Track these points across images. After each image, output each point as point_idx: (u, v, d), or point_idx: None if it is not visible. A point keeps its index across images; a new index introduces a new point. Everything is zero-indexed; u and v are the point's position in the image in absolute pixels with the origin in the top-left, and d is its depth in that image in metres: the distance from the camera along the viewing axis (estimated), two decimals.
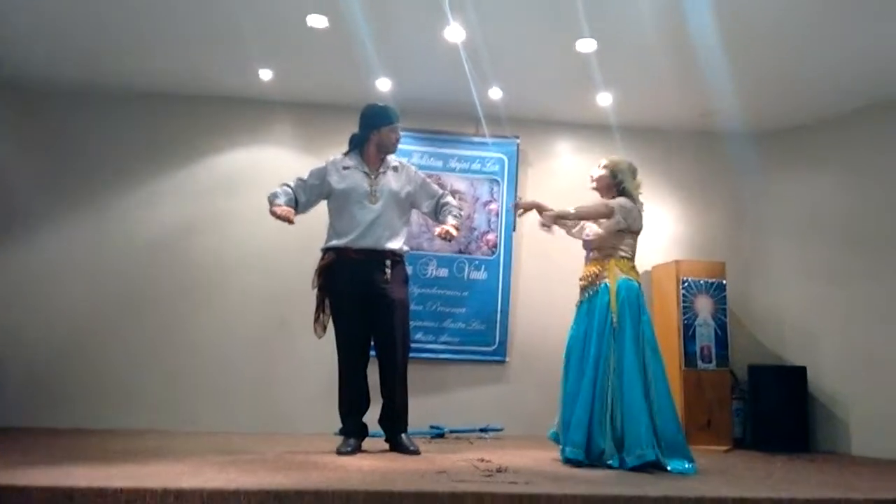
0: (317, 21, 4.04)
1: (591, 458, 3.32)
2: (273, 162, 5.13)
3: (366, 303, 3.59)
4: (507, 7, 3.87)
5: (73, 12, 4.05)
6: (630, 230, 3.64)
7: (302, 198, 3.71)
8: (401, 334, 3.63)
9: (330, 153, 3.91)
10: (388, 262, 3.62)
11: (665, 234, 5.47)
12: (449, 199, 3.86)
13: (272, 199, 3.61)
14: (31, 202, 4.95)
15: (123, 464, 2.89)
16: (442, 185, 4.49)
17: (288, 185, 3.71)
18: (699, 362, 4.89)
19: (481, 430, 4.73)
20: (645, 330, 3.49)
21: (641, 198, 3.75)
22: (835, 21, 3.91)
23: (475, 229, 5.22)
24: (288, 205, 3.60)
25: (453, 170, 5.26)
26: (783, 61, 4.38)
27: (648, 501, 2.48)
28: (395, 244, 3.66)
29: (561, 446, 3.52)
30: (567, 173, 5.45)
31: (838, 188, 5.13)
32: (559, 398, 3.62)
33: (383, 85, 4.84)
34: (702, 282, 5.01)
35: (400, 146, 3.92)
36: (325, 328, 3.67)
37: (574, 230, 3.85)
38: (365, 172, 3.72)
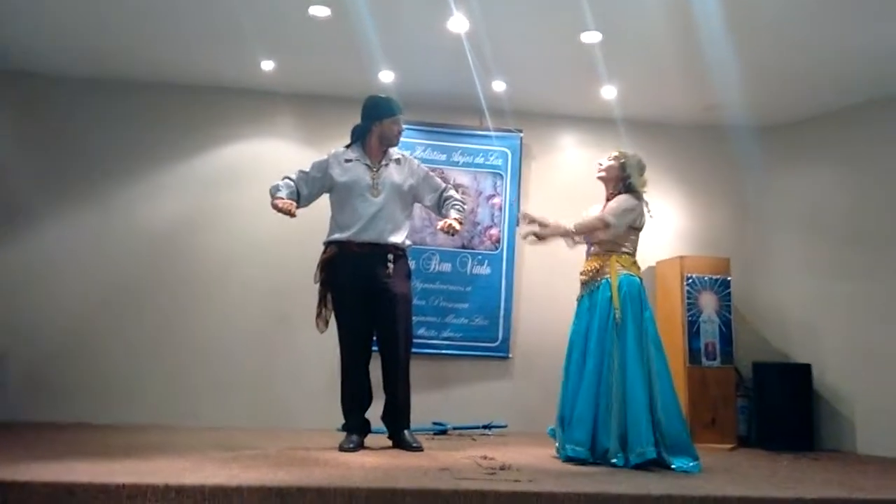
0: (319, 10, 4.01)
1: (595, 457, 3.30)
2: (275, 154, 5.10)
3: (368, 297, 3.56)
4: None
5: (76, 4, 4.03)
6: (633, 227, 3.61)
7: (304, 191, 3.69)
8: (403, 329, 3.61)
9: (332, 145, 3.88)
10: (391, 257, 3.59)
11: (669, 230, 5.43)
12: (452, 192, 3.83)
13: (273, 192, 3.58)
14: (32, 195, 4.91)
15: (125, 459, 2.88)
16: (445, 179, 4.45)
17: (290, 178, 3.68)
18: (703, 359, 4.87)
19: (484, 427, 4.71)
20: (648, 326, 3.46)
21: (645, 195, 3.71)
22: (839, 16, 3.88)
23: (478, 224, 5.19)
24: (290, 198, 3.57)
25: (456, 163, 5.23)
26: (787, 55, 4.35)
27: (651, 500, 2.47)
28: (398, 238, 3.64)
29: (558, 443, 3.50)
30: (571, 167, 5.42)
31: (842, 183, 5.10)
32: (559, 394, 3.60)
33: (386, 77, 4.80)
34: (706, 278, 4.98)
35: (403, 139, 3.90)
36: (327, 323, 3.65)
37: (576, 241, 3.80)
38: (367, 165, 3.69)
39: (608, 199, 3.71)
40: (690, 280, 4.96)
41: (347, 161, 3.70)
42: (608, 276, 3.52)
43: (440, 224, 3.66)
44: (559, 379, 3.64)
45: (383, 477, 2.62)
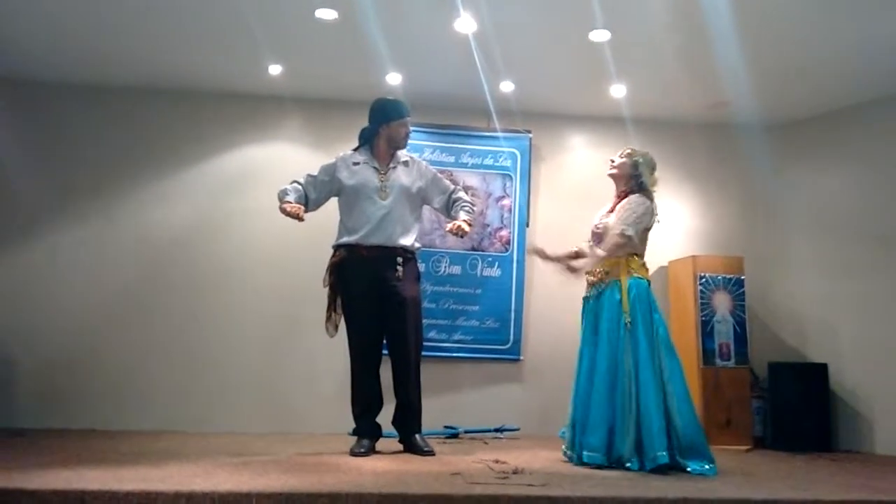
0: (326, 14, 4.00)
1: (611, 462, 3.26)
2: (283, 158, 5.10)
3: (377, 301, 3.54)
4: None
5: (82, 10, 4.04)
6: (645, 228, 3.57)
7: (312, 195, 3.68)
8: (413, 333, 3.59)
9: (340, 149, 3.87)
10: (400, 259, 3.57)
11: (681, 229, 5.38)
12: (461, 194, 3.80)
13: (281, 196, 3.57)
14: (39, 203, 4.94)
15: (136, 466, 2.87)
16: (454, 181, 4.42)
17: (298, 182, 3.68)
18: (718, 360, 4.82)
19: (496, 431, 4.68)
20: (658, 329, 3.41)
21: (656, 195, 3.67)
22: (849, 9, 3.83)
23: (488, 225, 5.17)
24: (298, 202, 3.56)
25: (465, 165, 5.21)
26: (797, 51, 4.31)
27: (667, 503, 2.43)
28: (407, 240, 3.61)
29: (571, 446, 3.45)
30: (580, 168, 5.38)
31: (856, 180, 5.04)
32: (570, 396, 3.57)
33: (393, 79, 4.79)
34: (720, 277, 4.93)
35: (411, 141, 3.88)
36: (336, 327, 3.63)
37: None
38: (375, 168, 3.67)
39: (619, 198, 3.65)
40: (703, 279, 4.91)
41: (355, 164, 3.68)
42: (617, 278, 3.48)
43: (449, 226, 3.63)
44: (571, 381, 3.60)
45: (395, 482, 2.59)
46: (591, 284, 3.63)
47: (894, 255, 4.75)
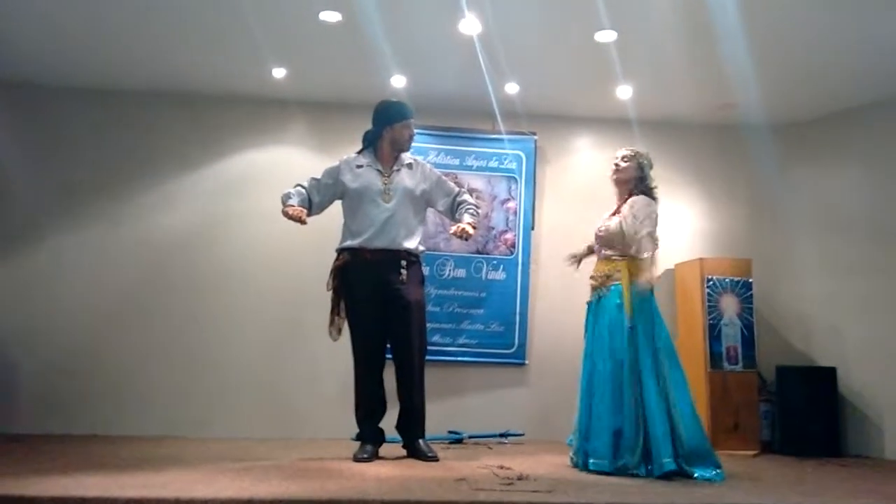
0: (329, 16, 3.98)
1: (616, 469, 3.21)
2: (287, 162, 5.08)
3: (381, 304, 3.52)
4: None
5: (84, 12, 4.03)
6: None
7: (315, 198, 3.66)
8: (417, 336, 3.56)
9: (344, 152, 3.85)
10: (404, 263, 3.54)
11: (688, 231, 5.34)
12: (466, 196, 3.78)
13: (284, 200, 3.56)
14: (42, 204, 4.93)
15: (136, 472, 2.86)
16: (459, 184, 4.38)
17: (301, 186, 3.67)
18: (725, 364, 4.77)
19: (501, 436, 4.64)
20: (659, 333, 3.37)
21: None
22: (856, 9, 3.79)
23: (493, 228, 5.13)
24: (301, 205, 3.55)
25: (470, 167, 5.17)
26: (804, 51, 4.27)
27: None
28: (411, 243, 3.59)
29: (578, 452, 3.41)
30: (586, 170, 5.34)
31: (864, 181, 5.00)
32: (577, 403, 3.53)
33: (398, 81, 4.77)
34: (727, 280, 4.88)
35: (416, 144, 3.86)
36: (340, 331, 3.61)
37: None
38: (378, 170, 3.65)
39: (622, 200, 3.61)
40: (711, 282, 4.86)
41: (359, 167, 3.66)
42: (618, 281, 3.44)
43: (453, 228, 3.61)
44: (577, 386, 3.56)
45: (398, 488, 2.57)
46: (593, 289, 3.59)
47: None
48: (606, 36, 4.12)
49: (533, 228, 5.16)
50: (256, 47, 4.35)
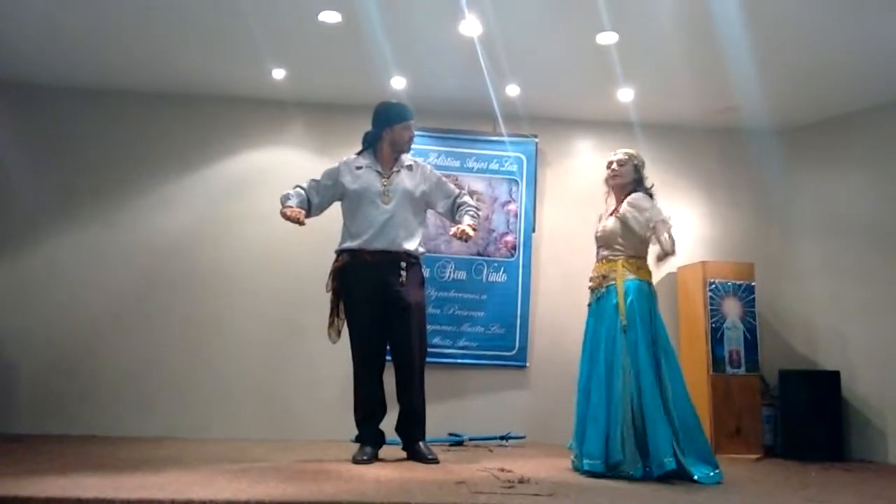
0: (329, 16, 3.97)
1: (609, 469, 3.18)
2: (286, 163, 5.07)
3: (381, 306, 3.50)
4: None
5: (83, 12, 4.02)
6: None
7: (315, 199, 3.65)
8: (417, 338, 3.53)
9: (344, 154, 3.83)
10: (404, 264, 3.52)
11: (690, 235, 5.32)
12: (466, 198, 3.76)
13: (283, 201, 3.55)
14: (40, 204, 4.92)
15: (134, 473, 2.84)
16: (459, 186, 4.38)
17: (301, 187, 3.66)
18: (728, 367, 4.75)
19: (501, 438, 4.62)
20: (658, 332, 3.36)
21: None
22: (859, 15, 3.78)
23: (494, 230, 5.11)
24: (300, 206, 3.53)
25: (471, 170, 5.16)
26: (807, 54, 4.25)
27: None
28: (411, 245, 3.57)
29: (576, 455, 3.39)
30: (587, 172, 5.31)
31: (867, 184, 4.97)
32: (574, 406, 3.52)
33: (398, 83, 4.76)
34: (729, 284, 4.86)
35: (416, 146, 3.85)
36: (339, 333, 3.59)
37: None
38: (378, 172, 3.63)
39: (619, 203, 3.60)
40: (713, 286, 4.84)
41: (358, 168, 3.65)
42: (614, 281, 3.42)
43: (453, 230, 3.60)
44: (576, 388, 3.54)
45: (398, 491, 2.55)
46: (591, 290, 3.58)
47: None
48: (608, 38, 4.11)
49: (534, 231, 5.14)
50: (256, 48, 4.34)
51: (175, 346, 4.82)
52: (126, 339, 4.80)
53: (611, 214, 3.61)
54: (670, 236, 3.39)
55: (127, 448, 3.85)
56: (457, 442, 4.51)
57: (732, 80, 4.52)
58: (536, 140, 5.23)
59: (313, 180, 3.68)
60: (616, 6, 3.76)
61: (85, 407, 4.65)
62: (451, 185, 3.84)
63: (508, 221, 5.15)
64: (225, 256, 4.97)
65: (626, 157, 3.61)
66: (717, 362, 4.73)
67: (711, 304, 4.81)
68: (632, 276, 3.41)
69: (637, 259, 3.48)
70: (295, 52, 4.48)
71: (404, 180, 3.64)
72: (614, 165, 3.61)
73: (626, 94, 4.89)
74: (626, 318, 3.32)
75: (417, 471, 3.16)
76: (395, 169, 3.66)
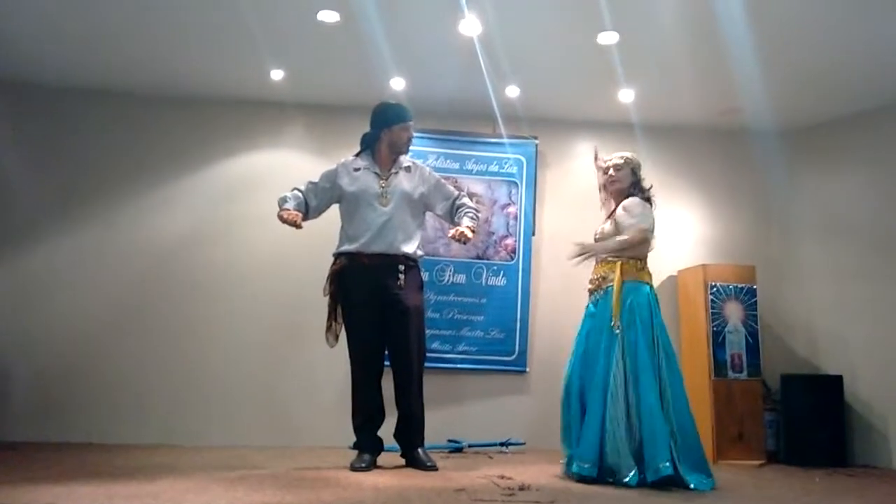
0: (327, 16, 3.93)
1: (603, 474, 3.14)
2: (285, 165, 5.03)
3: (379, 310, 3.46)
4: None
5: (83, 12, 3.99)
6: None
7: (312, 202, 3.62)
8: (416, 343, 3.50)
9: (343, 155, 3.80)
10: (402, 268, 3.49)
11: (691, 237, 5.28)
12: (465, 200, 3.73)
13: (281, 204, 3.52)
14: (38, 206, 4.86)
15: (129, 481, 2.81)
16: (459, 188, 4.33)
17: (298, 189, 3.63)
18: (729, 371, 4.70)
19: (501, 445, 4.57)
20: (659, 335, 3.33)
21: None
22: (862, 15, 3.75)
23: (493, 233, 5.07)
24: (297, 209, 3.50)
25: (470, 172, 5.12)
26: (810, 55, 4.22)
27: None
28: (409, 248, 3.53)
29: (566, 458, 3.34)
30: (587, 174, 5.23)
31: (869, 186, 4.93)
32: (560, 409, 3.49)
33: (397, 84, 4.72)
34: (731, 287, 4.82)
35: (415, 147, 3.82)
36: (337, 337, 3.56)
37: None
38: (376, 173, 3.60)
39: (618, 205, 3.58)
40: (714, 289, 4.80)
41: (356, 170, 3.62)
42: (612, 283, 3.39)
43: (451, 232, 3.56)
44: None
45: (396, 498, 2.52)
46: (590, 292, 3.56)
47: None
48: (609, 38, 4.08)
49: (534, 233, 5.10)
50: (254, 49, 4.31)
51: (172, 351, 4.76)
52: (124, 344, 4.73)
53: (608, 217, 3.63)
54: (626, 244, 3.38)
55: (124, 455, 3.82)
56: (456, 448, 4.46)
57: (735, 81, 4.48)
58: (536, 142, 5.19)
59: (311, 183, 3.65)
60: (617, 5, 3.72)
61: (82, 414, 4.58)
62: (450, 187, 3.81)
63: (508, 224, 5.11)
64: (223, 259, 4.93)
65: (623, 162, 3.62)
66: (718, 366, 4.69)
67: (713, 308, 4.77)
68: (631, 279, 3.40)
69: (637, 261, 3.46)
70: (294, 53, 4.44)
71: (402, 182, 3.60)
72: (611, 171, 3.61)
73: (626, 95, 4.85)
74: (624, 320, 3.30)
75: (416, 478, 3.13)
76: (393, 170, 3.63)
